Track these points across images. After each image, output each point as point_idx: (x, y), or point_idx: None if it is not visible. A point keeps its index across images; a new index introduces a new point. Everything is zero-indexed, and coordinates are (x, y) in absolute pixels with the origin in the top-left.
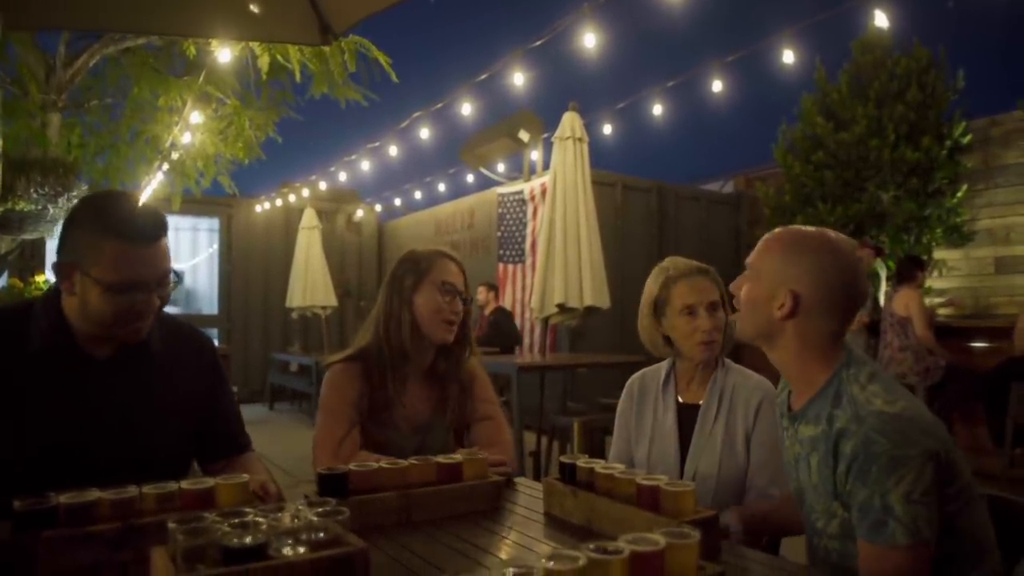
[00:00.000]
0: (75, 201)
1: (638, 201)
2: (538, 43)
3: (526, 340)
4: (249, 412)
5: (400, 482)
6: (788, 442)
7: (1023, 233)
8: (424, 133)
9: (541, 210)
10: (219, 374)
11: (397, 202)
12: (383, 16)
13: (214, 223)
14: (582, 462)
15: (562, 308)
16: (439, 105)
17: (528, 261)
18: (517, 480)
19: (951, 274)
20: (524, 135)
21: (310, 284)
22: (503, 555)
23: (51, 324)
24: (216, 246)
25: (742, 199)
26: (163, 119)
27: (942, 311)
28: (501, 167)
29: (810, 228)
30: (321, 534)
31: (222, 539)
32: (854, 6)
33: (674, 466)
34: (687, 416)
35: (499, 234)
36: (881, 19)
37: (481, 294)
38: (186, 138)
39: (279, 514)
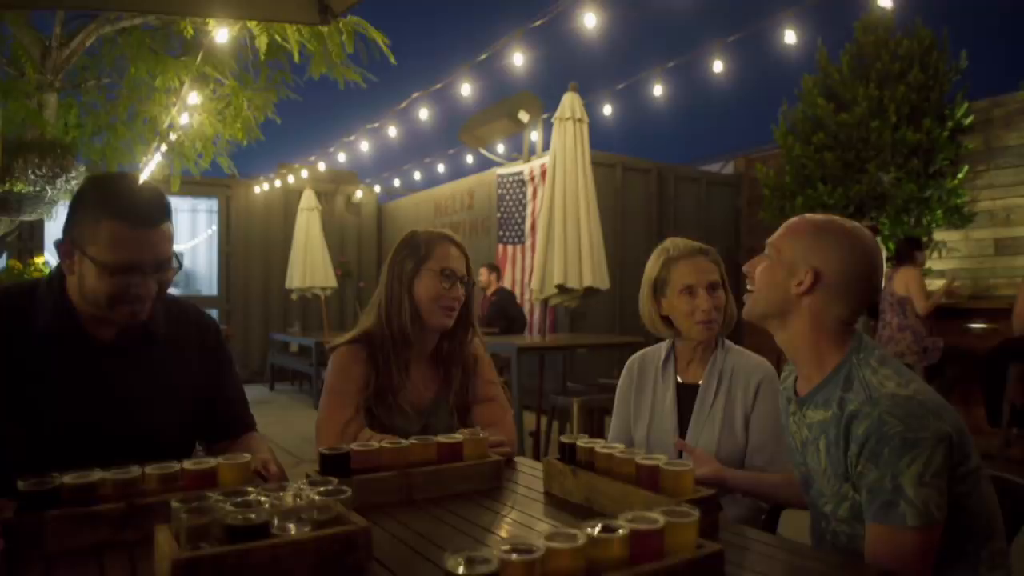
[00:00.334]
0: (73, 182)
1: (638, 182)
2: (538, 23)
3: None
4: (250, 392)
5: (401, 462)
6: (795, 427)
7: (1023, 214)
8: (423, 114)
9: (541, 191)
10: (224, 355)
11: (396, 183)
12: None
13: (213, 204)
14: (582, 442)
15: (562, 289)
16: (439, 86)
17: (528, 242)
18: (517, 460)
19: (951, 255)
20: (524, 116)
21: (309, 265)
22: (503, 533)
23: (55, 305)
24: (215, 227)
25: (742, 180)
26: (161, 100)
27: (947, 299)
28: (501, 148)
29: (837, 217)
30: (323, 513)
31: (225, 518)
32: None
33: (673, 446)
34: (686, 396)
35: (499, 215)
36: None
37: (483, 275)
38: (184, 119)
39: (281, 493)
